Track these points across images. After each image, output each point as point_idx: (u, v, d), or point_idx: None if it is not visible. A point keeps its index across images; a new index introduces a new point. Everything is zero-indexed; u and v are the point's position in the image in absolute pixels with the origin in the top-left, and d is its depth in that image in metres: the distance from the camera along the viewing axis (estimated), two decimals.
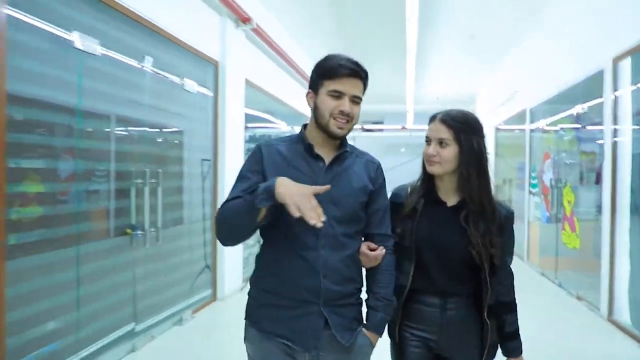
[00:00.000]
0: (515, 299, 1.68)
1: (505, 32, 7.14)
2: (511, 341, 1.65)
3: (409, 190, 1.70)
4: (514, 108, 8.31)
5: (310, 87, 1.58)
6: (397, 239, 1.65)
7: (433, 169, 1.60)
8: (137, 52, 3.60)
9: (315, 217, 1.29)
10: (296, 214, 1.29)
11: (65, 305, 2.96)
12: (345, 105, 1.49)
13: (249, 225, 1.41)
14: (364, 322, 1.59)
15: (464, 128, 1.56)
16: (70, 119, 2.97)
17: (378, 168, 1.64)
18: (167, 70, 4.00)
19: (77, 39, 2.91)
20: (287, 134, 1.71)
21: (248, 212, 1.36)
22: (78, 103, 2.98)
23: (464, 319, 1.63)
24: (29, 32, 2.63)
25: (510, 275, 1.67)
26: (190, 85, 4.38)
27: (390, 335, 1.71)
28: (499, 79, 9.70)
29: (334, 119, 1.50)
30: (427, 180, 1.66)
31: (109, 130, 3.42)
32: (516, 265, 1.74)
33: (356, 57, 1.54)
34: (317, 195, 1.36)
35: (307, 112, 5.79)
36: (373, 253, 1.55)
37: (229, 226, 1.44)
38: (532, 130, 7.33)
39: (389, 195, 1.69)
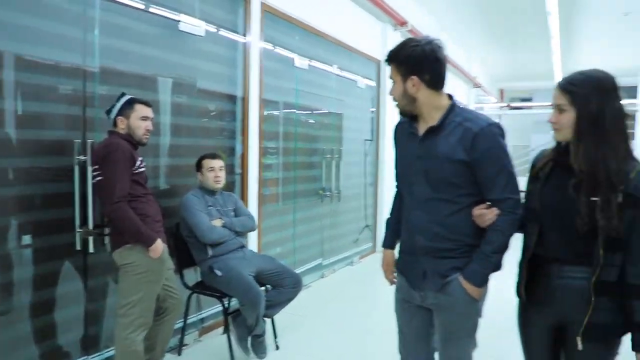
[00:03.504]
0: None
1: None
2: (638, 333, 1.42)
3: (545, 153, 1.64)
4: None
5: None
6: (525, 201, 1.63)
7: (556, 136, 1.53)
8: (328, 61, 4.93)
9: (388, 280, 1.94)
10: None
11: (286, 237, 4.46)
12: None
13: None
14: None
15: (581, 91, 1.43)
16: (294, 113, 4.41)
17: (476, 136, 1.56)
18: (345, 71, 5.30)
19: (296, 58, 4.31)
20: None
21: None
22: (296, 102, 4.41)
23: (579, 289, 1.47)
24: (271, 58, 4.05)
25: None
26: (361, 81, 5.63)
27: (517, 293, 1.68)
28: None
29: None
30: (562, 145, 1.54)
31: (313, 121, 4.84)
32: None
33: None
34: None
35: (457, 94, 6.66)
36: (477, 212, 1.61)
37: None
38: None
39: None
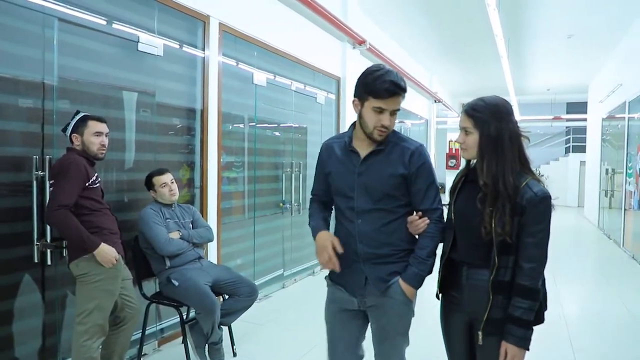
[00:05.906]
0: (533, 286, 1.56)
1: (607, 28, 7.54)
2: (510, 325, 1.57)
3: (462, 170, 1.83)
4: (617, 100, 8.60)
5: (356, 95, 1.80)
6: (447, 211, 1.81)
7: (463, 155, 1.72)
8: (287, 78, 5.13)
9: (329, 267, 1.81)
10: (320, 267, 1.92)
11: (246, 249, 4.59)
12: (386, 119, 1.74)
13: None
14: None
15: (482, 116, 1.61)
16: (252, 128, 4.57)
17: (413, 153, 1.80)
18: (305, 88, 5.51)
19: (255, 75, 4.48)
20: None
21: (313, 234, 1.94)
22: (255, 117, 4.57)
23: (483, 289, 1.62)
24: (229, 74, 4.21)
25: (531, 260, 1.56)
26: (321, 97, 5.85)
27: (436, 294, 1.87)
28: (607, 70, 9.88)
29: (376, 129, 1.76)
30: (471, 163, 1.74)
31: (274, 134, 5.01)
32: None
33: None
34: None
35: (414, 109, 7.24)
36: (410, 219, 1.82)
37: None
38: (630, 121, 7.67)
39: None
